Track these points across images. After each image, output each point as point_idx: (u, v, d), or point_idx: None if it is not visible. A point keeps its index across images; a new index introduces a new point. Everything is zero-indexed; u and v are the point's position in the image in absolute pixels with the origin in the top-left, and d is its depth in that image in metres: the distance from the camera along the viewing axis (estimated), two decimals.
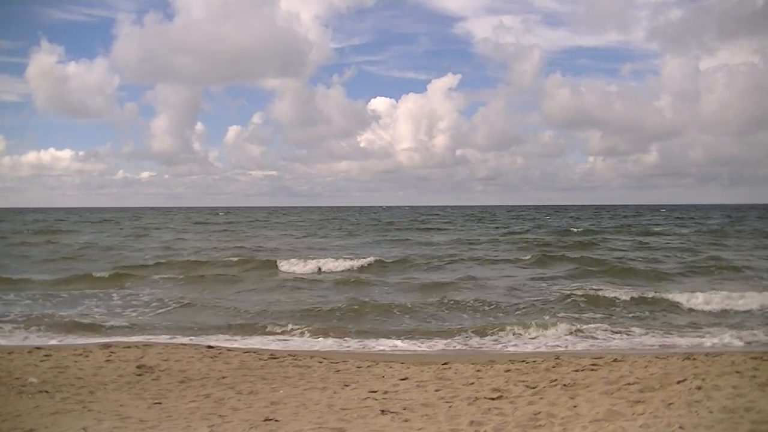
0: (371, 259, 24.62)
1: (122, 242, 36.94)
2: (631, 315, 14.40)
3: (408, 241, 37.29)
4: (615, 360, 9.06)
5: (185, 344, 11.46)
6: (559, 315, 14.16)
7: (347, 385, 8.00)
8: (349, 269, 23.13)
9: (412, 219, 71.79)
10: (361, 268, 23.21)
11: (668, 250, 28.85)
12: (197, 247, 33.16)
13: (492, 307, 15.29)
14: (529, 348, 11.48)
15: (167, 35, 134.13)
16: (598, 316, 14.29)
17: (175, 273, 22.10)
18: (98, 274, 21.08)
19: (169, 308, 15.70)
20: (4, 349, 10.52)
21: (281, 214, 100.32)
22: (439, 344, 11.86)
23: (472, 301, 15.82)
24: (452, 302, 15.82)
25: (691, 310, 14.97)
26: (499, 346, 11.80)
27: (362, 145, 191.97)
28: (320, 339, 12.45)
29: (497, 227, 52.66)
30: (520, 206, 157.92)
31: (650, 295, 16.22)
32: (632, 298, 15.88)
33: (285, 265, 23.95)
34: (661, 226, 50.76)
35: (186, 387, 8.00)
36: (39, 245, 34.19)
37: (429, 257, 26.43)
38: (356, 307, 15.15)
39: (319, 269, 23.29)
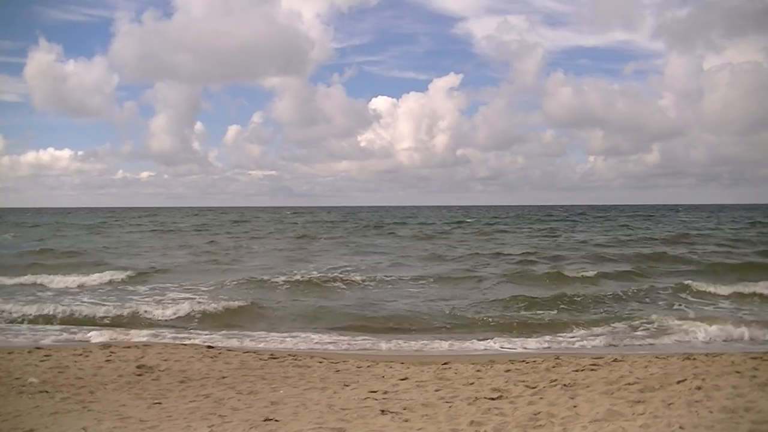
0: None
1: None
2: None
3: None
4: (615, 360, 9.06)
5: (185, 344, 11.46)
6: None
7: (347, 385, 8.00)
8: None
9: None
10: None
11: None
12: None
13: None
14: None
15: (166, 33, 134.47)
16: None
17: None
18: None
19: None
20: (4, 349, 10.52)
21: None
22: None
23: None
24: None
25: None
26: None
27: (362, 144, 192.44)
28: None
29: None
30: (550, 206, 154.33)
31: None
32: None
33: None
34: None
35: (186, 387, 8.00)
36: None
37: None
38: None
39: None
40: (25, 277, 20.21)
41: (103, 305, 15.46)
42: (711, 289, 17.28)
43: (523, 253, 27.45)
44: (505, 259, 25.75)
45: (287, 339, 12.39)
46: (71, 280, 19.57)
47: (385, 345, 11.85)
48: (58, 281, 19.49)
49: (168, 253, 29.21)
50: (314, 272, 21.74)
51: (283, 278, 20.01)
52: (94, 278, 19.94)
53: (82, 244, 34.76)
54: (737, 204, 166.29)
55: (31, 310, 14.62)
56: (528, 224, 57.32)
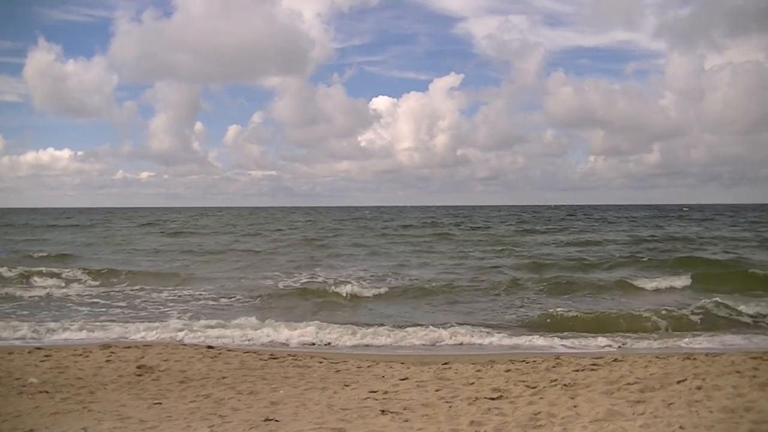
0: None
1: None
2: None
3: None
4: (615, 360, 9.07)
5: (185, 344, 11.47)
6: None
7: (347, 385, 8.01)
8: None
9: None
10: None
11: None
12: None
13: None
14: None
15: (166, 33, 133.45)
16: None
17: None
18: None
19: None
20: (4, 349, 10.52)
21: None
22: None
23: None
24: None
25: None
26: None
27: (363, 144, 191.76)
28: None
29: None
30: (550, 206, 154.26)
31: None
32: None
33: None
34: None
35: (186, 387, 8.00)
36: None
37: None
38: None
39: None
40: None
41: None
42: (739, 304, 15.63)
43: (544, 255, 27.17)
44: (527, 264, 24.64)
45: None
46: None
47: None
48: None
49: (172, 256, 28.74)
50: (339, 278, 20.50)
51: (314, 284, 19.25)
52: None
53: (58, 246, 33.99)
54: (740, 204, 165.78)
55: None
56: (538, 224, 57.06)
